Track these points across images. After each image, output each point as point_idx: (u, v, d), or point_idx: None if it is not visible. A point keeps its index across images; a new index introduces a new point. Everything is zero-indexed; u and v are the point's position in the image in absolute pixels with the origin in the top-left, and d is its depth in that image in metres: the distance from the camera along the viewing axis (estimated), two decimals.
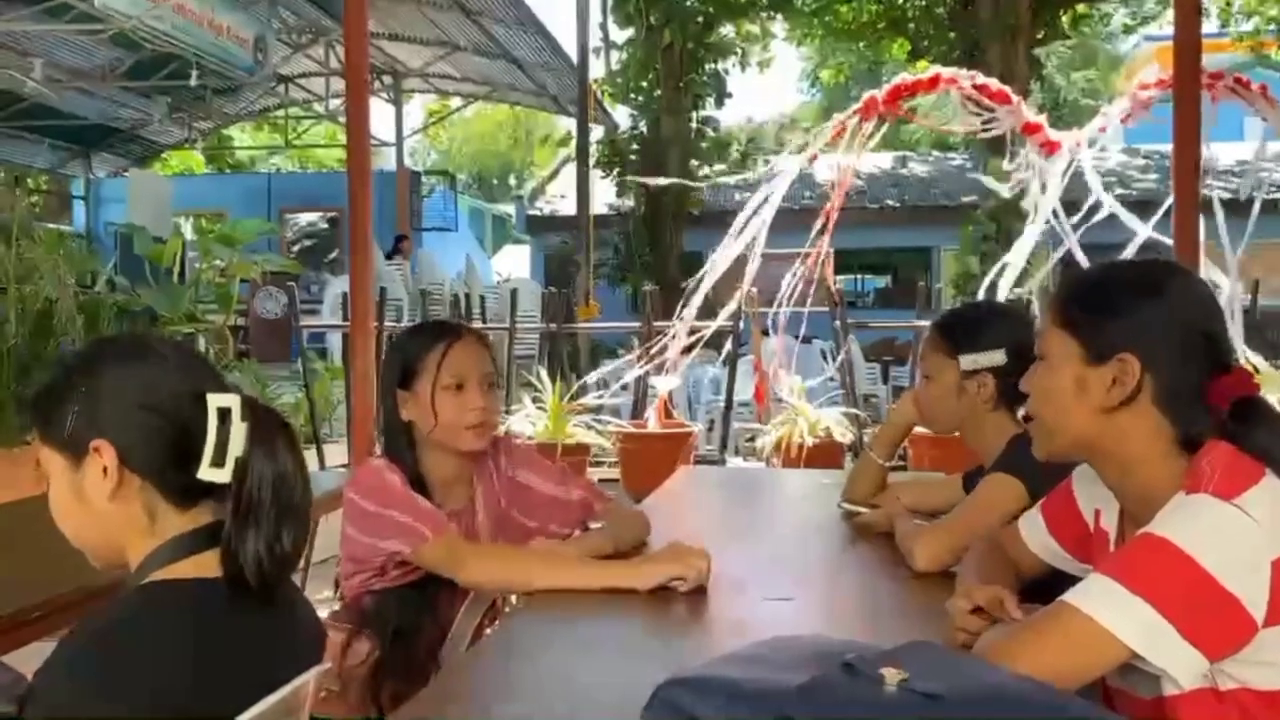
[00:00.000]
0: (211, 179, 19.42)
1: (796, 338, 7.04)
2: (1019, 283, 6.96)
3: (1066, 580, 1.33)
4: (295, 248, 16.10)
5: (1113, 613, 1.12)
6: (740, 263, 6.78)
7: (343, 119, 14.82)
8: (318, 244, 16.63)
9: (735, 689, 0.99)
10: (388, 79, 15.12)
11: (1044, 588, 1.41)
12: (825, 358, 8.26)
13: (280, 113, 16.87)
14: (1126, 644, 1.11)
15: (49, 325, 5.55)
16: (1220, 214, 6.31)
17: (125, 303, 6.15)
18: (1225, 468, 1.17)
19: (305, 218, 16.82)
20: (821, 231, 6.66)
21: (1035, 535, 1.53)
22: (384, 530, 1.86)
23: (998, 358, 1.93)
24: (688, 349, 6.77)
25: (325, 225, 16.62)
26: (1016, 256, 6.85)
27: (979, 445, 2.02)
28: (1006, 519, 1.65)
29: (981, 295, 7.38)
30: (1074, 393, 1.29)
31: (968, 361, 1.96)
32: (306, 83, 15.02)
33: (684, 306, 6.70)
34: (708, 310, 6.92)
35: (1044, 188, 6.83)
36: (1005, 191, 7.55)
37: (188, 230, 14.36)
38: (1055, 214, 6.91)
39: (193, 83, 11.02)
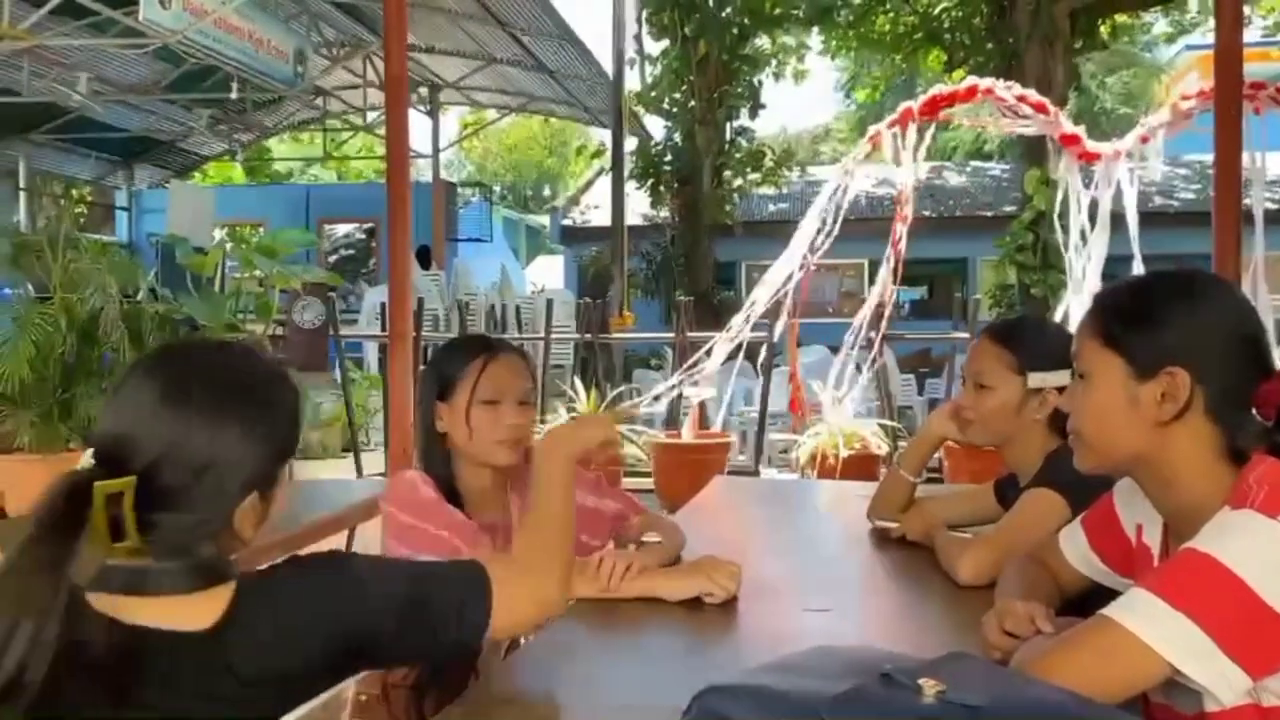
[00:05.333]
0: (251, 190, 19.65)
1: (847, 349, 7.04)
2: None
3: (1107, 594, 1.32)
4: (332, 258, 16.25)
5: (1155, 628, 1.11)
6: (777, 274, 6.79)
7: (380, 131, 14.96)
8: (354, 254, 16.79)
9: (774, 697, 1.00)
10: (424, 91, 15.25)
11: (1086, 602, 1.40)
12: (859, 369, 8.22)
13: (319, 125, 17.05)
14: (1168, 660, 1.11)
15: (94, 334, 5.65)
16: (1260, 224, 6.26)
17: (167, 312, 6.22)
18: (1272, 484, 1.16)
19: (342, 228, 16.99)
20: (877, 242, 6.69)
21: (1076, 549, 1.52)
22: (420, 543, 1.88)
23: (1064, 378, 1.91)
24: (730, 356, 6.81)
25: (362, 236, 16.78)
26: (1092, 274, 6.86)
27: (1019, 459, 2.01)
28: (1048, 533, 1.64)
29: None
30: (1124, 410, 1.27)
31: (1036, 380, 1.96)
32: (345, 95, 15.18)
33: (748, 321, 6.73)
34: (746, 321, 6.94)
35: (1093, 201, 6.82)
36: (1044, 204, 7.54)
37: (227, 241, 14.54)
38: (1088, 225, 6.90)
39: (233, 95, 11.19)
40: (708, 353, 6.85)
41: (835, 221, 6.63)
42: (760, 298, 6.73)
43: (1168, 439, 1.26)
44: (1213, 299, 1.28)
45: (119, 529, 1.02)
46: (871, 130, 6.84)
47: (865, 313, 6.87)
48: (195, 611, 1.07)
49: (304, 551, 1.22)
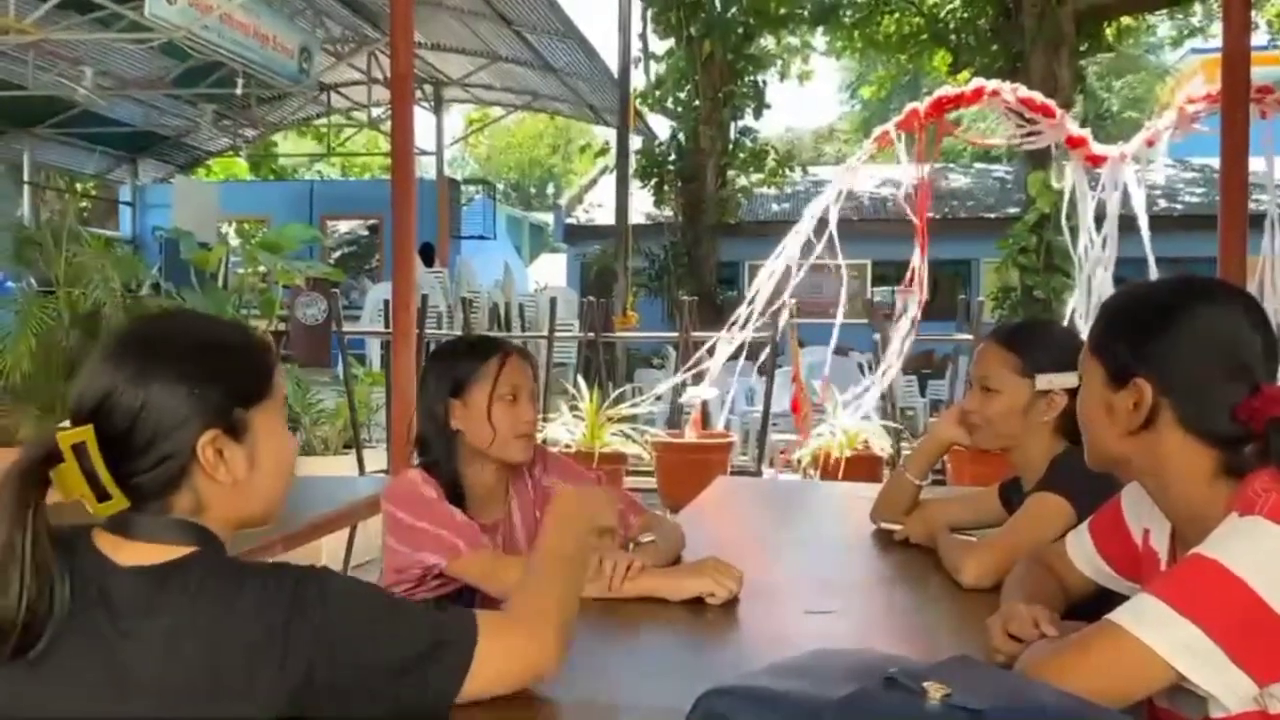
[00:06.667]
0: (254, 186, 19.65)
1: (845, 353, 7.06)
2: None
3: (1115, 599, 1.31)
4: (335, 254, 16.26)
5: (1160, 634, 1.11)
6: (779, 274, 6.79)
7: (384, 127, 14.98)
8: (358, 251, 16.79)
9: (778, 700, 1.00)
10: (428, 88, 15.26)
11: (1092, 606, 1.40)
12: (862, 370, 8.22)
13: (323, 121, 17.07)
14: (1173, 666, 1.10)
15: (97, 328, 5.64)
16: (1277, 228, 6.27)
17: (170, 307, 6.23)
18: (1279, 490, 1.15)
19: (345, 225, 17.00)
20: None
21: (1082, 553, 1.52)
22: (420, 542, 1.88)
23: (1071, 380, 1.90)
24: (733, 356, 6.81)
25: (365, 232, 16.78)
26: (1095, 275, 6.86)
27: (1025, 462, 2.00)
28: (1053, 537, 1.64)
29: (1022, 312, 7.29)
30: (1102, 415, 1.30)
31: (1043, 382, 1.94)
32: (349, 91, 15.19)
33: (733, 324, 6.74)
34: (747, 320, 6.94)
35: (1102, 205, 6.82)
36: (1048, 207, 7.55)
37: (231, 236, 14.56)
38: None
39: (238, 91, 11.19)
40: (710, 351, 6.85)
41: (813, 221, 6.63)
42: (763, 293, 6.73)
43: (1148, 448, 1.27)
44: (1194, 313, 1.26)
45: (99, 485, 1.10)
46: (877, 131, 6.83)
47: (904, 325, 6.86)
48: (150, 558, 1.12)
49: (305, 546, 1.23)
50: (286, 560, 1.22)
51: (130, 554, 1.11)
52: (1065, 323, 6.82)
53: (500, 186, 26.45)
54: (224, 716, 1.06)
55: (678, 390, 7.10)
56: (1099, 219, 6.98)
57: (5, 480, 1.07)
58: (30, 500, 1.06)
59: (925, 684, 0.98)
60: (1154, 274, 6.47)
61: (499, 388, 1.97)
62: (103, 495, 1.10)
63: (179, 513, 1.14)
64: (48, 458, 1.08)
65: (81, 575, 1.09)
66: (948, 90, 6.79)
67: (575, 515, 1.42)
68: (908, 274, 6.90)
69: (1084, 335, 1.41)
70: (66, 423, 1.12)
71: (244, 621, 1.07)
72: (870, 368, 7.42)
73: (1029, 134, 6.89)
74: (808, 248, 6.67)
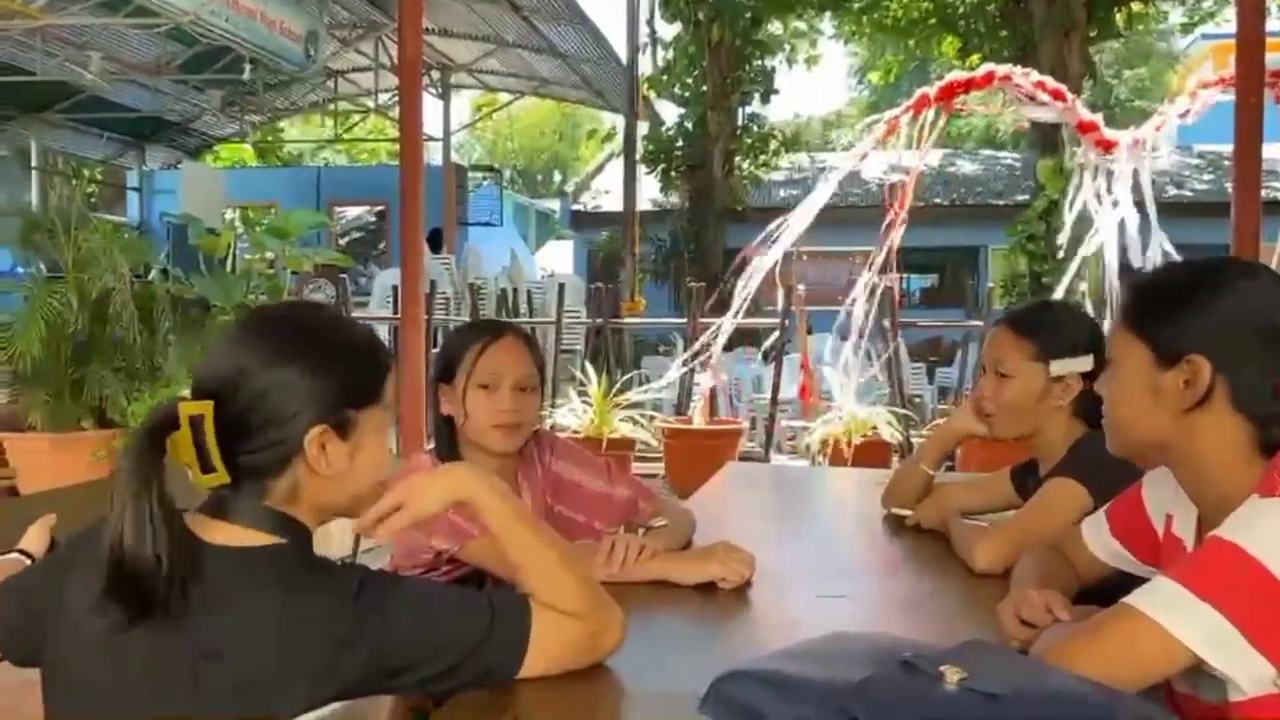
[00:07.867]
0: (262, 172, 19.61)
1: (854, 338, 7.02)
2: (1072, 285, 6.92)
3: (1125, 584, 1.31)
4: (343, 240, 16.24)
5: (1178, 617, 1.10)
6: (786, 261, 6.77)
7: (392, 114, 14.93)
8: (365, 237, 16.78)
9: (794, 684, 0.99)
10: (435, 74, 15.21)
11: (1106, 592, 1.39)
12: (870, 357, 8.19)
13: (330, 107, 17.03)
14: (1192, 649, 1.10)
15: (105, 313, 5.65)
16: None
17: (179, 292, 6.23)
18: None
19: (352, 211, 16.98)
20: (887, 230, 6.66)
21: (1098, 539, 1.51)
22: (431, 527, 1.87)
23: (1086, 363, 1.88)
24: (727, 346, 6.79)
25: (373, 218, 16.77)
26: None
27: (1043, 447, 1.97)
28: (1068, 523, 1.63)
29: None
30: (1147, 397, 1.27)
31: (1059, 366, 1.91)
32: (356, 77, 15.15)
33: (736, 313, 6.71)
34: (752, 307, 6.93)
35: (1109, 188, 6.78)
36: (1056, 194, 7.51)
37: (237, 222, 14.54)
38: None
39: (245, 77, 11.15)
40: (714, 334, 6.84)
41: (817, 207, 6.61)
42: (754, 279, 6.72)
43: (1194, 428, 1.24)
44: (1240, 288, 1.25)
45: (206, 459, 1.15)
46: (888, 115, 6.80)
47: (859, 303, 6.81)
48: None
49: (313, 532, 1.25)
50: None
51: (221, 536, 1.17)
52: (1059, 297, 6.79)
53: (507, 173, 26.39)
54: (282, 699, 1.11)
55: (684, 377, 7.10)
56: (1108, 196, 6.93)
57: (134, 439, 1.15)
58: (155, 460, 1.13)
59: (942, 668, 0.98)
60: (1154, 264, 6.43)
61: (476, 375, 1.94)
62: (207, 468, 1.15)
63: (275, 496, 1.19)
64: (168, 424, 1.15)
65: (178, 555, 1.13)
66: (958, 75, 6.76)
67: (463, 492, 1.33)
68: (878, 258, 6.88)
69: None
70: (187, 393, 1.19)
71: (320, 615, 1.13)
72: (878, 354, 7.40)
73: (1036, 104, 6.83)
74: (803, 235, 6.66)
